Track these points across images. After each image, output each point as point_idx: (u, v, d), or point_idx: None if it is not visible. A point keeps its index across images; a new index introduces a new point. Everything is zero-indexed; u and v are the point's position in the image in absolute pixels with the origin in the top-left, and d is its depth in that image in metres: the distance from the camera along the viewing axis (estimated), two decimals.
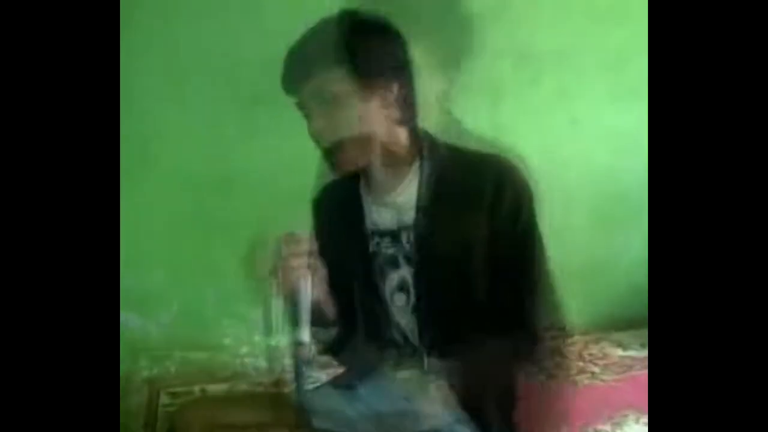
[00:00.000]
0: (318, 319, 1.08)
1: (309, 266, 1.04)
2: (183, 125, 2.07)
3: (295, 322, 1.03)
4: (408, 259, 1.15)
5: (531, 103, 2.31)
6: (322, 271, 1.08)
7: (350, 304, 1.18)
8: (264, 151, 2.12)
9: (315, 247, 1.06)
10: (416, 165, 1.15)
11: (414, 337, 1.18)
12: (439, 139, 1.18)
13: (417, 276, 1.14)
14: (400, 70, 1.11)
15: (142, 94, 1.98)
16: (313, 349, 1.03)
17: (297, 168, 2.07)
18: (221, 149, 2.11)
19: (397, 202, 1.16)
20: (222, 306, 2.21)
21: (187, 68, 2.05)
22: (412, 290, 1.15)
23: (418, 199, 1.13)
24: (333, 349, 1.26)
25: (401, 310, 1.18)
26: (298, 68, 1.08)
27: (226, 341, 2.25)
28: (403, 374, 1.22)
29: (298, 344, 1.02)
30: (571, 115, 2.36)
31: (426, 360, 1.18)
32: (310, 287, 1.04)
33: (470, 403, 1.15)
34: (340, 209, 1.23)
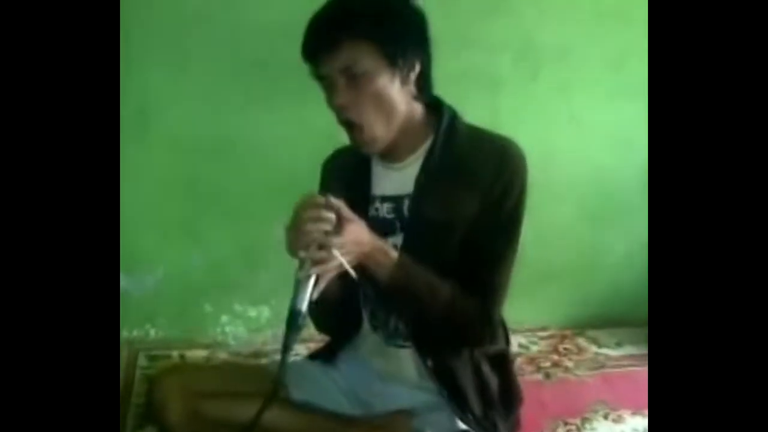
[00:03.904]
0: (321, 305, 1.07)
1: (327, 233, 1.00)
2: (182, 90, 2.06)
3: (296, 288, 1.00)
4: (405, 226, 1.17)
5: (530, 98, 2.32)
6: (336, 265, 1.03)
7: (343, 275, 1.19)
8: (261, 120, 2.11)
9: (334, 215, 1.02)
10: (431, 137, 1.17)
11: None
12: (459, 116, 1.19)
13: (405, 241, 1.16)
14: (423, 47, 1.13)
15: (142, 57, 1.97)
16: (306, 319, 1.00)
17: (293, 139, 2.10)
18: (219, 116, 2.11)
19: (407, 170, 1.17)
20: (207, 273, 2.22)
21: (188, 33, 2.04)
22: None
23: (423, 165, 1.15)
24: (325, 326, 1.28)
25: None
26: (326, 38, 1.06)
27: (208, 308, 2.26)
28: (379, 341, 1.23)
29: (294, 312, 0.99)
30: (570, 111, 2.37)
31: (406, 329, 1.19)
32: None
33: (446, 380, 1.17)
34: (348, 171, 1.24)
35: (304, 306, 0.99)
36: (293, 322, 0.98)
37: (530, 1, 2.27)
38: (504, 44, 2.27)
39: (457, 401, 1.16)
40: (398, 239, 1.17)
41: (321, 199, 1.02)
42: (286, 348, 0.99)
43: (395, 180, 1.19)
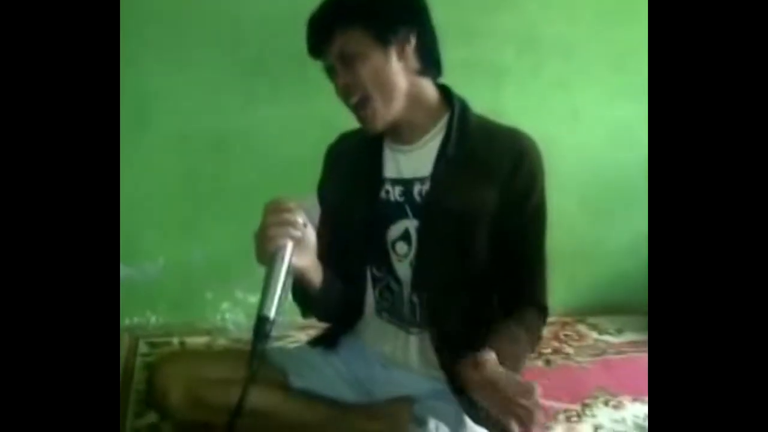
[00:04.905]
0: (298, 289, 1.09)
1: (292, 237, 0.99)
2: (182, 88, 2.06)
3: (265, 295, 0.94)
4: (415, 211, 1.17)
5: (532, 90, 2.32)
6: (311, 240, 1.04)
7: (349, 257, 1.20)
8: (262, 118, 2.11)
9: (302, 218, 1.00)
10: (443, 120, 1.18)
11: (408, 288, 1.20)
12: (468, 105, 1.21)
13: (423, 226, 1.16)
14: (416, 21, 1.15)
15: (143, 54, 1.96)
16: (273, 325, 0.93)
17: (293, 136, 2.09)
18: (218, 111, 2.10)
19: (419, 152, 1.18)
20: (206, 264, 2.21)
21: (188, 29, 2.03)
22: (414, 241, 1.17)
23: (441, 151, 1.16)
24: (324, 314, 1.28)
25: (401, 259, 1.19)
26: (320, 33, 1.13)
27: (208, 295, 2.26)
28: (390, 329, 1.23)
29: (261, 319, 0.93)
30: (571, 104, 2.37)
31: (417, 312, 1.20)
32: (287, 260, 0.97)
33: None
34: (357, 155, 1.25)
35: (272, 313, 0.93)
36: (260, 330, 0.92)
37: None
38: (507, 37, 2.27)
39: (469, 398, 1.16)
40: (408, 223, 1.18)
41: (286, 204, 1.01)
42: (252, 358, 0.93)
43: (406, 163, 1.20)
